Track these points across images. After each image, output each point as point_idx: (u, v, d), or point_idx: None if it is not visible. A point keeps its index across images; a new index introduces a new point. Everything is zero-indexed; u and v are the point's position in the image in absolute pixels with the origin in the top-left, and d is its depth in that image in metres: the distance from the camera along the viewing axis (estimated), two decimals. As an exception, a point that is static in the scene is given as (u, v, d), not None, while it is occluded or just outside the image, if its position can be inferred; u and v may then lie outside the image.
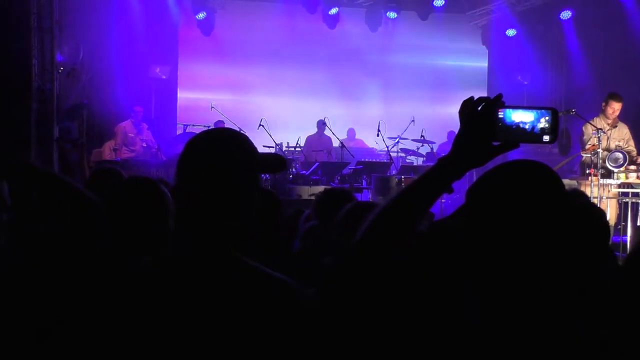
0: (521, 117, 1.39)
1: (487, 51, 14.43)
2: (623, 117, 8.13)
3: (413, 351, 1.39)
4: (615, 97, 7.93)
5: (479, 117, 1.39)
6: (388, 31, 14.03)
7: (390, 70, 14.02)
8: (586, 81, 11.26)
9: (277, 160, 1.69)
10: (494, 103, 1.39)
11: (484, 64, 14.45)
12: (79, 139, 9.77)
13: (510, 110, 1.39)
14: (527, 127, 1.38)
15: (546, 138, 1.39)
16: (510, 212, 1.33)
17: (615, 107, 7.89)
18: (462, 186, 1.54)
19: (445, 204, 9.22)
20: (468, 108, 1.40)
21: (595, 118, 8.00)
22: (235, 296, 1.50)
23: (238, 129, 8.68)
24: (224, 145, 1.58)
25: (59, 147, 9.20)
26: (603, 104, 8.02)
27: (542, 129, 1.38)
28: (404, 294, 1.48)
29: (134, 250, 2.16)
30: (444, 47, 14.07)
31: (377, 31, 13.86)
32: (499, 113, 1.39)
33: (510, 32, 13.31)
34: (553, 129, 1.38)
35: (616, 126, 7.90)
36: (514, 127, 1.38)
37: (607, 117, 7.91)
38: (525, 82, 13.12)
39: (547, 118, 1.38)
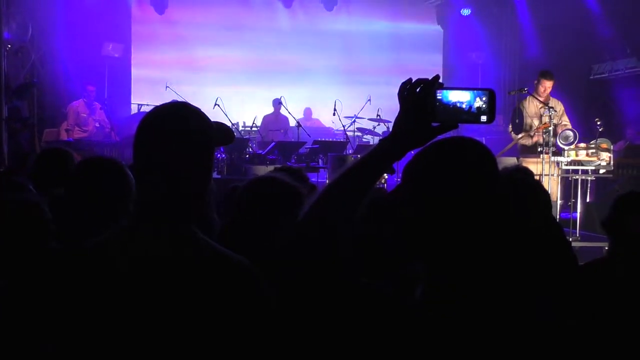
0: (458, 96, 1.41)
1: (442, 30, 14.51)
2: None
3: (361, 325, 1.41)
4: (546, 75, 8.03)
5: (417, 98, 1.41)
6: (343, 10, 13.99)
7: (347, 50, 13.99)
8: (539, 60, 11.41)
9: (227, 132, 1.69)
10: (432, 84, 1.41)
11: (439, 43, 14.52)
12: (29, 119, 9.55)
13: (448, 90, 1.41)
14: (464, 106, 1.41)
15: (483, 118, 1.42)
16: (444, 188, 1.36)
17: (546, 85, 8.00)
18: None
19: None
20: (407, 90, 1.42)
21: (528, 97, 8.12)
22: (195, 276, 1.51)
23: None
24: (179, 121, 1.56)
25: (8, 127, 8.99)
26: (535, 82, 8.14)
27: (478, 108, 1.41)
28: (347, 271, 1.49)
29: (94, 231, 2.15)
30: (400, 27, 14.08)
31: (333, 10, 13.81)
32: (437, 94, 1.41)
33: (465, 12, 13.42)
34: (490, 109, 1.41)
35: (548, 103, 7.90)
36: (451, 107, 1.41)
37: (540, 95, 8.01)
38: (480, 61, 13.26)
39: (483, 98, 1.41)
